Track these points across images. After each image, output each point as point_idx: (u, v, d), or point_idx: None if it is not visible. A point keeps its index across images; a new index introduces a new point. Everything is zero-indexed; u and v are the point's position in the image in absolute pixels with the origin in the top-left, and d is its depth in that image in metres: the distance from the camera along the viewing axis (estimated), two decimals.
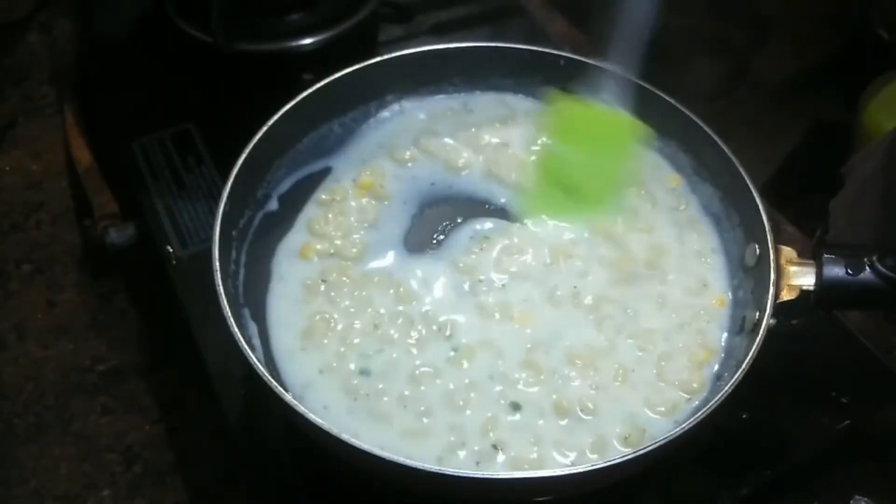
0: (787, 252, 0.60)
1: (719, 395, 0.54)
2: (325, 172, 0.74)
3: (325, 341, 0.63)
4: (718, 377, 0.62)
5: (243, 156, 0.65)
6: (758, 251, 0.64)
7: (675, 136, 0.74)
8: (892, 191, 0.69)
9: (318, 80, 0.71)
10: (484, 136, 0.76)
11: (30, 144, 1.02)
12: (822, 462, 0.67)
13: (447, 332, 0.63)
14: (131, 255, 0.83)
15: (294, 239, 0.69)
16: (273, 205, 0.71)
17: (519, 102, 0.79)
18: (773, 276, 0.59)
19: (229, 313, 0.56)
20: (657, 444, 0.52)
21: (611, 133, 0.68)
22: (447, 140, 0.76)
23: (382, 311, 0.64)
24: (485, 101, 0.79)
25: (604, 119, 0.68)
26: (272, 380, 0.54)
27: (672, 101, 0.71)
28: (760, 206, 0.63)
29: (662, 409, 0.61)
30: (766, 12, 1.24)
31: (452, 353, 0.62)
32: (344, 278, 0.66)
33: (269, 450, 0.66)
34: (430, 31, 0.99)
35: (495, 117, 0.78)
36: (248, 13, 0.89)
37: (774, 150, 1.15)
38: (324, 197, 0.72)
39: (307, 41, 0.88)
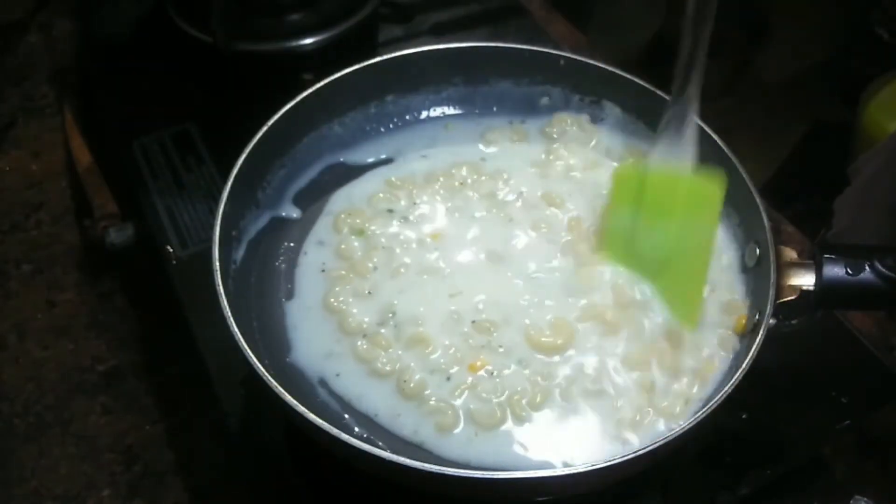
0: (787, 252, 0.60)
1: (719, 395, 0.54)
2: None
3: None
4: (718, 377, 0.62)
5: (243, 156, 0.65)
6: (758, 251, 0.64)
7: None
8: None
9: (318, 80, 0.71)
10: None
11: (30, 144, 1.02)
12: (822, 462, 0.67)
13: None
14: (131, 255, 0.83)
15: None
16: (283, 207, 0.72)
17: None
18: (773, 276, 0.59)
19: (229, 313, 0.56)
20: (657, 444, 0.52)
21: (692, 193, 0.61)
22: None
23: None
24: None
25: (680, 180, 0.61)
26: (272, 380, 0.54)
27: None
28: (760, 206, 0.63)
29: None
30: (766, 12, 1.24)
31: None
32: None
33: (269, 450, 0.66)
34: (430, 31, 0.99)
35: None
36: (248, 13, 0.89)
37: (774, 150, 1.15)
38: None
39: (307, 41, 0.88)
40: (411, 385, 0.60)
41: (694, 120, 0.61)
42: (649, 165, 0.63)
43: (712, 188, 0.61)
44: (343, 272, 0.67)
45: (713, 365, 0.62)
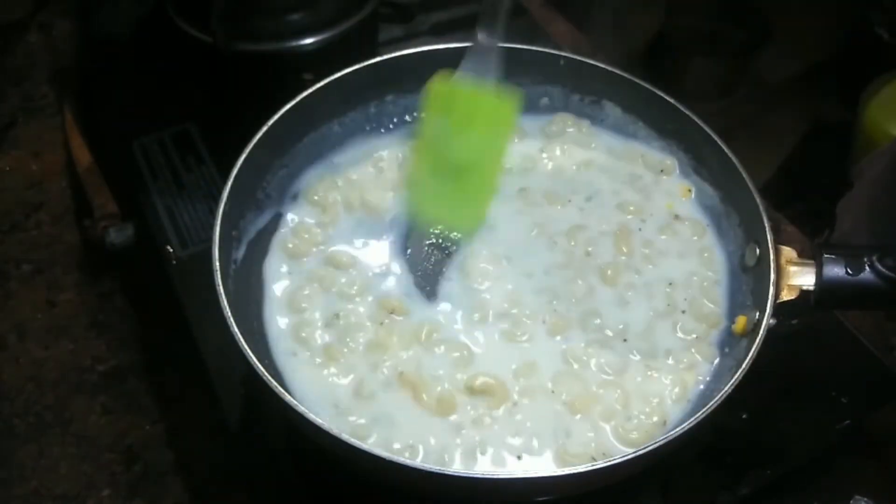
0: (787, 252, 0.60)
1: (719, 395, 0.54)
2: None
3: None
4: (718, 377, 0.62)
5: (243, 156, 0.65)
6: (758, 251, 0.64)
7: (675, 136, 0.74)
8: None
9: (318, 80, 0.71)
10: None
11: (30, 144, 1.01)
12: (822, 462, 0.67)
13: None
14: (131, 255, 0.83)
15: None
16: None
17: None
18: (773, 276, 0.59)
19: (229, 313, 0.56)
20: (657, 444, 0.52)
21: (492, 111, 0.67)
22: None
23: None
24: None
25: (482, 97, 0.66)
26: (272, 379, 0.54)
27: (672, 101, 0.71)
28: (760, 206, 0.63)
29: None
30: (766, 12, 1.24)
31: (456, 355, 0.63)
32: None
33: (269, 450, 0.66)
34: (430, 31, 0.99)
35: None
36: (248, 13, 0.88)
37: (774, 150, 1.15)
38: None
39: (307, 41, 0.88)
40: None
41: (497, 46, 0.67)
42: (459, 82, 0.67)
43: (508, 105, 0.67)
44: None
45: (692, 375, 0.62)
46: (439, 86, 0.67)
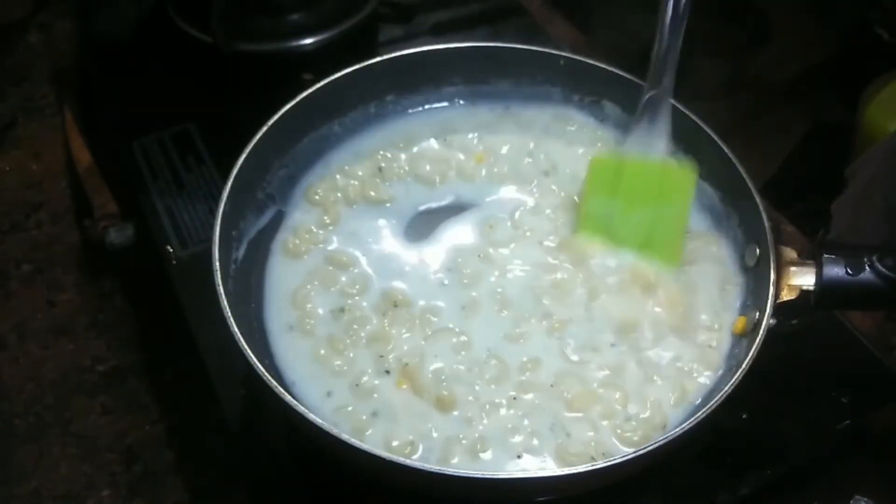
0: (787, 252, 0.60)
1: (719, 395, 0.54)
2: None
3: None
4: (718, 377, 0.62)
5: (243, 156, 0.65)
6: (758, 251, 0.64)
7: (675, 136, 0.74)
8: (894, 193, 0.69)
9: (318, 80, 0.71)
10: None
11: (30, 144, 1.02)
12: (822, 462, 0.67)
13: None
14: (131, 255, 0.83)
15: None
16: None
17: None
18: (773, 276, 0.59)
19: (229, 313, 0.56)
20: (657, 444, 0.52)
21: (666, 184, 0.65)
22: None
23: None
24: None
25: (656, 170, 0.64)
26: (272, 379, 0.54)
27: (672, 101, 0.71)
28: (760, 206, 0.63)
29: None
30: (766, 12, 1.24)
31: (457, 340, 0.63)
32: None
33: (269, 450, 0.66)
34: (430, 31, 0.99)
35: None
36: (248, 13, 0.89)
37: (774, 150, 1.15)
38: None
39: (307, 41, 0.88)
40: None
41: (669, 110, 0.64)
42: (626, 154, 0.65)
43: (686, 175, 0.65)
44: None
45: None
46: (601, 161, 0.64)
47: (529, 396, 0.61)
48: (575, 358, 0.62)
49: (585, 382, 0.61)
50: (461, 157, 0.75)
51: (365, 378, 0.61)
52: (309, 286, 0.66)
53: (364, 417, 0.59)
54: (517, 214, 0.71)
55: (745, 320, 0.63)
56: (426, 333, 0.63)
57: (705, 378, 0.62)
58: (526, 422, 0.59)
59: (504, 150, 0.76)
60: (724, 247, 0.69)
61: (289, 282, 0.67)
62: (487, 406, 0.60)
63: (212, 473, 0.77)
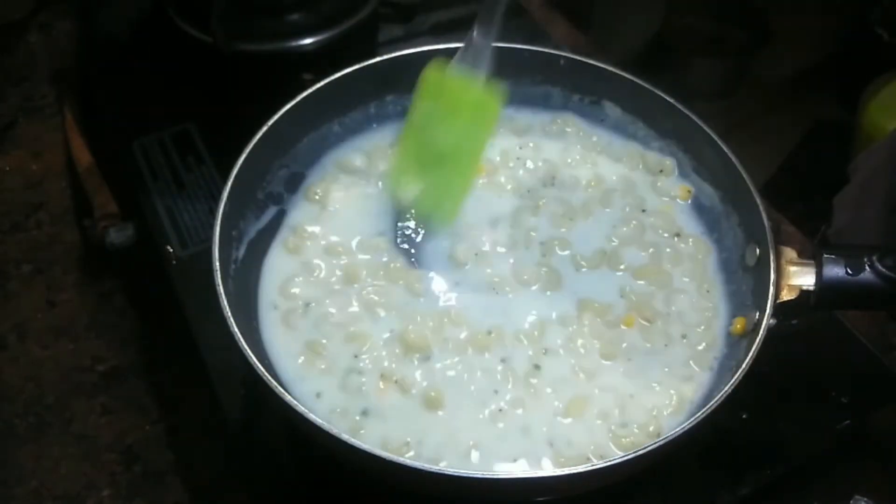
0: (787, 252, 0.60)
1: (719, 395, 0.54)
2: None
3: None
4: (718, 376, 0.62)
5: (243, 156, 0.65)
6: (758, 251, 0.64)
7: (675, 136, 0.74)
8: (894, 187, 0.69)
9: (318, 80, 0.71)
10: None
11: (30, 144, 1.02)
12: (822, 462, 0.67)
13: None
14: (131, 255, 0.83)
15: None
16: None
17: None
18: (773, 276, 0.59)
19: (229, 313, 0.56)
20: (657, 444, 0.52)
21: (478, 103, 0.68)
22: None
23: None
24: None
25: (470, 88, 0.67)
26: (272, 379, 0.54)
27: (672, 100, 0.71)
28: (760, 206, 0.63)
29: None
30: (765, 12, 1.24)
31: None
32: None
33: (269, 450, 0.66)
34: (430, 31, 0.99)
35: None
36: (247, 13, 0.89)
37: (774, 150, 1.15)
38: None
39: (307, 41, 0.88)
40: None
41: (491, 44, 0.67)
42: (452, 72, 0.67)
43: (494, 99, 0.67)
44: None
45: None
46: (432, 72, 0.68)
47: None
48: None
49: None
50: None
51: (362, 373, 0.61)
52: (309, 285, 0.66)
53: (357, 418, 0.59)
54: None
55: (743, 321, 0.63)
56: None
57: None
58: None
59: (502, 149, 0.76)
60: (714, 251, 0.70)
61: (283, 274, 0.67)
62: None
63: (212, 473, 0.77)
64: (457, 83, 0.67)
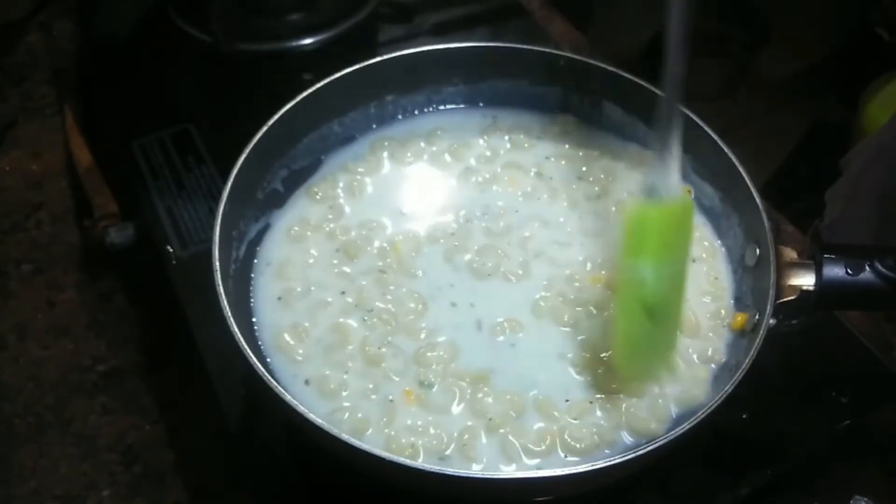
0: (787, 252, 0.60)
1: (719, 394, 0.54)
2: None
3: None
4: (718, 377, 0.63)
5: (243, 156, 0.65)
6: (758, 251, 0.64)
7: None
8: (886, 181, 0.69)
9: (318, 80, 0.71)
10: None
11: (30, 144, 1.02)
12: (822, 462, 0.67)
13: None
14: (131, 255, 0.83)
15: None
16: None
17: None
18: (773, 276, 0.59)
19: (229, 313, 0.56)
20: (657, 444, 0.52)
21: (677, 227, 0.59)
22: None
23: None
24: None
25: (669, 214, 0.59)
26: (272, 380, 0.54)
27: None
28: (760, 206, 0.63)
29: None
30: (766, 13, 1.24)
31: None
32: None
33: (269, 449, 0.66)
34: (430, 31, 0.99)
35: None
36: (248, 13, 0.89)
37: (774, 150, 1.15)
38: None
39: (307, 41, 0.88)
40: None
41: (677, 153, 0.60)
42: (649, 202, 0.60)
43: (686, 207, 0.60)
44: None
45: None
46: (634, 212, 0.58)
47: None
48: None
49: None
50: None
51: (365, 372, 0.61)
52: (308, 284, 0.66)
53: (360, 415, 0.59)
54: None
55: (744, 317, 0.63)
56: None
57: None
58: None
59: (505, 149, 0.76)
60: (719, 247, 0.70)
61: (284, 274, 0.67)
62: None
63: (212, 473, 0.77)
64: (660, 211, 0.58)
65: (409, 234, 0.69)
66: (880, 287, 0.56)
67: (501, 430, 0.58)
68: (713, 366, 0.63)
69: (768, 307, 0.58)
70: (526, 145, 0.77)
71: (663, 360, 0.61)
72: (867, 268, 0.57)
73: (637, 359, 0.59)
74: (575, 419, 0.59)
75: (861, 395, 0.69)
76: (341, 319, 0.64)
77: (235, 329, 0.55)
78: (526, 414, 0.60)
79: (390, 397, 0.60)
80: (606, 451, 0.58)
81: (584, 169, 0.75)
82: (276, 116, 0.68)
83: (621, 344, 0.59)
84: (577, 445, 0.58)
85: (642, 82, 0.73)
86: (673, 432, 0.53)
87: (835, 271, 0.57)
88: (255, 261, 0.68)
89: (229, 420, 0.67)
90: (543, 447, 0.58)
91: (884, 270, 0.56)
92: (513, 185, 0.74)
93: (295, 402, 0.53)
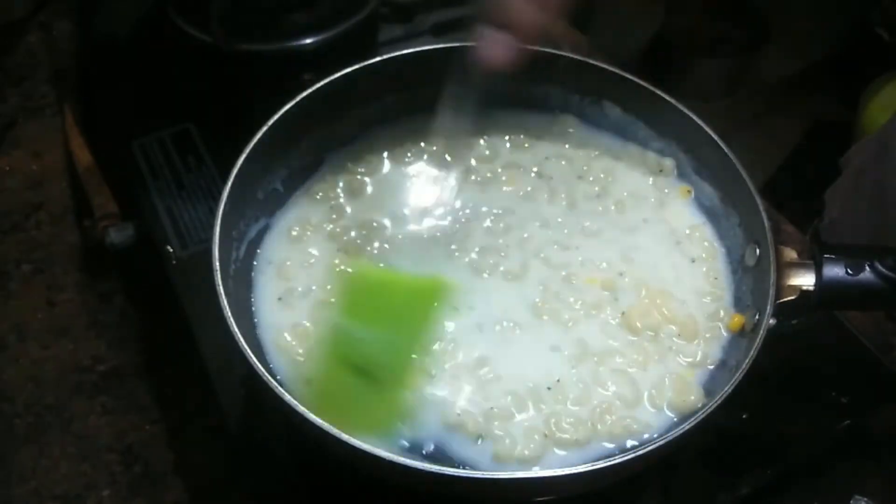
0: (787, 252, 0.60)
1: (719, 394, 0.54)
2: None
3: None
4: (716, 377, 0.63)
5: (243, 156, 0.65)
6: (758, 251, 0.64)
7: (675, 136, 0.74)
8: (884, 180, 0.69)
9: (318, 80, 0.71)
10: None
11: (30, 144, 1.02)
12: (822, 462, 0.67)
13: None
14: (131, 255, 0.83)
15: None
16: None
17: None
18: (773, 276, 0.59)
19: (229, 313, 0.56)
20: (657, 444, 0.52)
21: (413, 300, 0.58)
22: None
23: None
24: None
25: (406, 286, 0.59)
26: (272, 380, 0.54)
27: (672, 100, 0.71)
28: (760, 206, 0.63)
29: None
30: (766, 12, 1.24)
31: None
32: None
33: (269, 449, 0.66)
34: (430, 31, 0.99)
35: None
36: (248, 13, 0.89)
37: (774, 150, 1.15)
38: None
39: (307, 41, 0.88)
40: None
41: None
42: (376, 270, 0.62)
43: (434, 287, 0.59)
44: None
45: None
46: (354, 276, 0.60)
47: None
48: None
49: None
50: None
51: None
52: (308, 284, 0.66)
53: None
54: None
55: (741, 318, 0.63)
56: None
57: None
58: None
59: (505, 149, 0.76)
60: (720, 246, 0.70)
61: (284, 274, 0.67)
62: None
63: (212, 473, 0.77)
64: (383, 283, 0.59)
65: (410, 234, 0.69)
66: (880, 287, 0.56)
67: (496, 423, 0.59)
68: (709, 367, 0.63)
69: (768, 307, 0.58)
70: (526, 145, 0.77)
71: (376, 415, 0.58)
72: (867, 268, 0.57)
73: (332, 406, 0.55)
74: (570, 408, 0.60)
75: (861, 395, 0.69)
76: None
77: (235, 329, 0.55)
78: (522, 408, 0.60)
79: None
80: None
81: (584, 169, 0.75)
82: (276, 116, 0.68)
83: (316, 390, 0.58)
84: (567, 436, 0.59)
85: (642, 82, 0.73)
86: (673, 432, 0.53)
87: (835, 271, 0.57)
88: (256, 261, 0.68)
89: (229, 420, 0.67)
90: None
91: (884, 270, 0.56)
92: (512, 185, 0.74)
93: (295, 402, 0.53)
